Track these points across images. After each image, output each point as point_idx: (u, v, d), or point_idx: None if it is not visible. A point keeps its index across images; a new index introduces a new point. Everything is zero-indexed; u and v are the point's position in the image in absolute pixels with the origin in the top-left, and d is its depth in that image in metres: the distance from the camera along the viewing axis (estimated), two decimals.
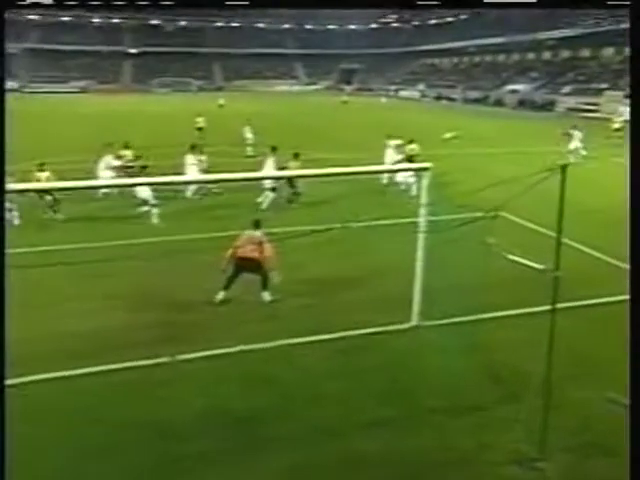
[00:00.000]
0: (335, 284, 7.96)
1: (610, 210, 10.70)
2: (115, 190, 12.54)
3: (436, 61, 74.78)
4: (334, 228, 7.10)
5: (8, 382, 4.95)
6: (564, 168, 4.02)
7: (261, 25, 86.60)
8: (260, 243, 7.16)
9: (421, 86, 67.25)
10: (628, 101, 24.42)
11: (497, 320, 6.85)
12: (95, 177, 12.49)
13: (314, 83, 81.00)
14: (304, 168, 12.33)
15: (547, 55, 57.99)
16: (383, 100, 57.23)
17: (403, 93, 66.74)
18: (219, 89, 68.82)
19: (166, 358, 5.82)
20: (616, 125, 23.35)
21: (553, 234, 4.28)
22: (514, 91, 52.91)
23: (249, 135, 19.72)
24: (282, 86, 76.62)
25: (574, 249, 8.44)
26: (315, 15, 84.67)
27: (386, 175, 13.12)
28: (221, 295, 7.20)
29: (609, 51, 48.98)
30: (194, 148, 13.54)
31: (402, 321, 6.58)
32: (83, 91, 67.19)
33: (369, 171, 5.88)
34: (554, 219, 4.19)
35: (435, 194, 6.32)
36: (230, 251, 7.19)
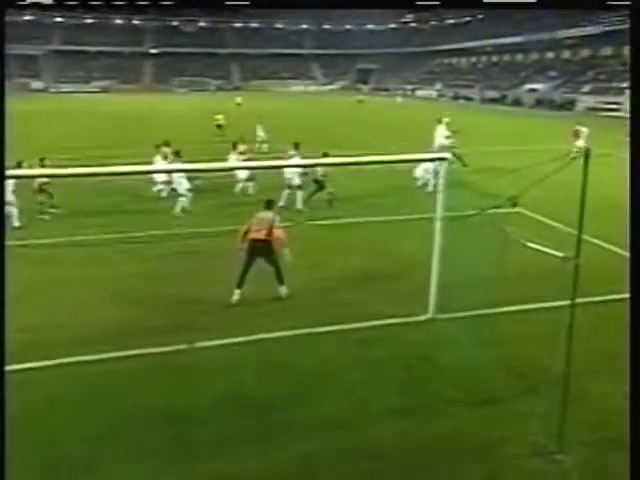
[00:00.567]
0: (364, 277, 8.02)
1: (598, 200, 10.61)
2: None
3: (454, 61, 74.25)
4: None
5: (36, 364, 5.51)
6: (587, 152, 4.02)
7: (279, 25, 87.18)
8: (271, 225, 6.98)
9: (438, 86, 66.95)
10: None
11: (514, 314, 6.86)
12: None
13: (330, 83, 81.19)
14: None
15: (566, 54, 57.17)
16: (399, 99, 57.21)
17: (420, 93, 66.52)
18: (237, 89, 69.57)
19: (184, 345, 5.97)
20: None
21: (564, 227, 4.31)
22: (532, 90, 52.34)
23: (261, 133, 20.16)
24: (299, 86, 77.01)
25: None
26: (333, 15, 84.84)
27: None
28: (236, 295, 6.99)
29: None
30: (235, 145, 13.70)
31: (418, 313, 6.66)
32: (105, 91, 68.65)
33: (389, 161, 6.03)
34: (563, 212, 4.20)
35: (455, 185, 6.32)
36: (244, 227, 7.09)
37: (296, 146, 12.49)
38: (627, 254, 8.41)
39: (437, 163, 7.31)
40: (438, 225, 6.50)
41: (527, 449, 4.49)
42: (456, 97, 60.02)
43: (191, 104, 46.88)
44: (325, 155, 10.84)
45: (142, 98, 54.94)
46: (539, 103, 48.34)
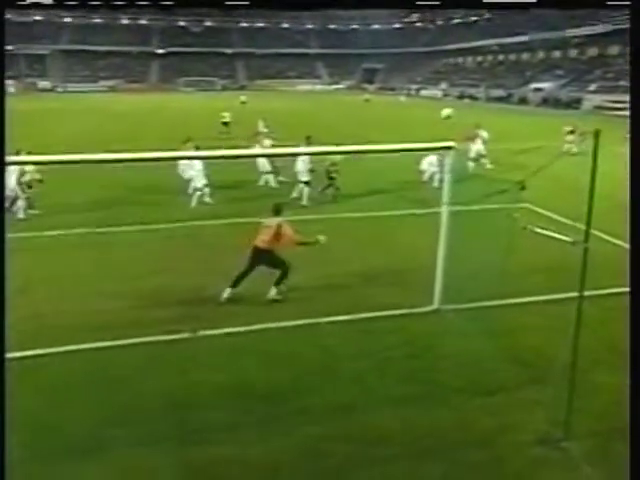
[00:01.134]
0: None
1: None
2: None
3: (459, 60, 74.03)
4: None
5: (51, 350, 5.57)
6: (597, 134, 3.97)
7: (285, 25, 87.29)
8: (276, 231, 6.73)
9: (444, 85, 66.78)
10: None
11: (519, 306, 6.86)
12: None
13: (336, 82, 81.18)
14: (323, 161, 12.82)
15: (573, 53, 56.85)
16: (402, 99, 57.13)
17: (424, 92, 66.38)
18: (242, 88, 69.74)
19: (187, 334, 5.98)
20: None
21: (569, 221, 4.31)
22: (538, 89, 52.09)
23: (263, 129, 20.24)
24: (304, 85, 77.06)
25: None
26: (338, 15, 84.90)
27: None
28: (227, 294, 6.79)
29: None
30: (255, 136, 13.79)
31: (424, 304, 6.68)
32: (112, 90, 69.04)
33: (392, 150, 6.00)
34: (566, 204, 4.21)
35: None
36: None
37: (308, 140, 12.57)
38: (617, 242, 8.53)
39: (441, 154, 7.29)
40: (444, 216, 6.50)
41: (532, 437, 4.49)
42: (461, 96, 59.84)
43: (197, 103, 47.10)
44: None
45: (149, 97, 55.20)
46: (545, 102, 48.10)
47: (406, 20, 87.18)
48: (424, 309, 6.68)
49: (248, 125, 21.94)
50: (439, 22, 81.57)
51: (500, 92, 56.00)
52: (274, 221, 6.87)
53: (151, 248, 9.03)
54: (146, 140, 16.68)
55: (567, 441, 4.41)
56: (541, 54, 60.79)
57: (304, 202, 11.91)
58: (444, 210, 6.44)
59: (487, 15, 70.33)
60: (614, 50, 51.34)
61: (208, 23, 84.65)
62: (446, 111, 12.80)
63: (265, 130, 20.09)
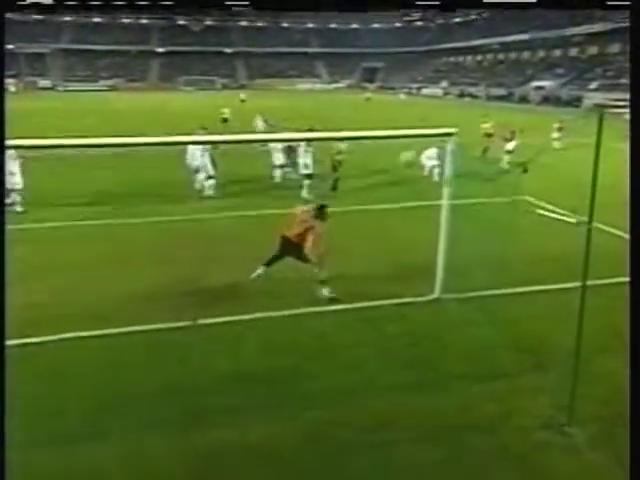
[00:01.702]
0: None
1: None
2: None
3: (460, 59, 74.02)
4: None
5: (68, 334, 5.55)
6: (601, 116, 3.99)
7: (285, 24, 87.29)
8: (306, 229, 6.46)
9: (444, 84, 66.76)
10: None
11: (518, 295, 6.83)
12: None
13: (336, 82, 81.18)
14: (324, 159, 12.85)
15: (574, 51, 56.82)
16: (402, 97, 57.14)
17: (425, 91, 66.36)
18: (242, 87, 69.73)
19: (187, 322, 5.96)
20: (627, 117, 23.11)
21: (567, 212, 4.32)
22: (539, 87, 52.08)
23: (260, 125, 20.26)
24: (304, 84, 77.06)
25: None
26: (338, 14, 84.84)
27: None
28: (259, 271, 6.71)
29: None
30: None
31: (424, 294, 6.67)
32: (112, 89, 69.05)
33: (390, 136, 5.95)
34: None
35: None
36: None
37: (309, 131, 12.51)
38: (615, 232, 8.51)
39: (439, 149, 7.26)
40: (445, 206, 6.46)
41: (536, 422, 4.46)
42: (462, 95, 59.81)
43: (198, 101, 47.10)
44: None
45: (149, 96, 55.19)
46: (546, 100, 48.06)
47: (406, 19, 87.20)
48: (424, 298, 6.66)
49: (247, 122, 21.97)
50: (439, 21, 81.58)
51: (501, 91, 55.98)
52: (309, 218, 6.56)
53: (164, 238, 9.02)
54: (148, 136, 16.74)
55: (570, 426, 4.38)
56: (541, 53, 60.77)
57: (305, 195, 11.89)
58: (444, 203, 6.40)
59: (486, 14, 70.29)
60: (614, 48, 51.30)
61: (208, 22, 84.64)
62: (406, 155, 12.17)
63: (262, 125, 20.14)
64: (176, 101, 48.19)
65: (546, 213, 4.11)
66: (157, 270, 7.50)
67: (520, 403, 4.75)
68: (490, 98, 54.92)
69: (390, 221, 10.30)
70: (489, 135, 18.04)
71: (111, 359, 5.40)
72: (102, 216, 10.29)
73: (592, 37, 52.73)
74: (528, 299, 6.80)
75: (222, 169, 12.66)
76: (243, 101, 40.50)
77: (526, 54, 63.17)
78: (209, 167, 12.01)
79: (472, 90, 59.97)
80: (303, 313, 6.37)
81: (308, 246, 6.44)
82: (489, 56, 69.59)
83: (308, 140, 11.06)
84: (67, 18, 78.23)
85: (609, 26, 49.09)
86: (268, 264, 6.70)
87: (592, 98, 43.90)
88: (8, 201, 10.15)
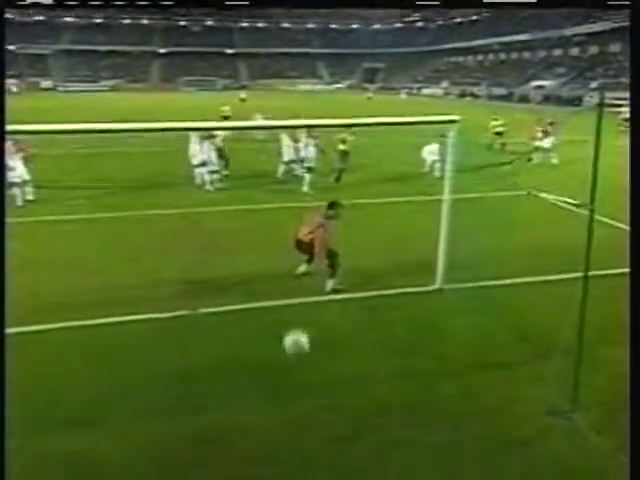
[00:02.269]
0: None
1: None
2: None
3: (460, 59, 74.00)
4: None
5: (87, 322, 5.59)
6: (600, 104, 4.01)
7: (285, 25, 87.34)
8: (315, 228, 6.46)
9: (445, 84, 66.76)
10: None
11: (520, 285, 6.86)
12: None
13: (337, 82, 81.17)
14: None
15: (575, 51, 56.80)
16: (403, 96, 57.19)
17: (426, 91, 66.35)
18: (243, 87, 69.75)
19: (187, 311, 6.00)
20: (625, 115, 23.53)
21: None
22: (539, 87, 52.06)
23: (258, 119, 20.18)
24: (305, 85, 77.07)
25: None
26: (339, 15, 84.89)
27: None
28: (303, 267, 6.90)
29: None
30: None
31: (426, 284, 6.69)
32: (113, 89, 69.11)
33: (394, 123, 5.86)
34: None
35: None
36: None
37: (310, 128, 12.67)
38: (614, 223, 8.47)
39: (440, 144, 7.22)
40: (446, 195, 6.45)
41: (539, 409, 4.44)
42: (463, 94, 59.79)
43: (199, 101, 47.15)
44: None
45: (150, 96, 55.22)
46: (546, 99, 48.02)
47: (407, 20, 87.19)
48: (426, 288, 6.67)
49: (248, 120, 21.93)
50: (440, 21, 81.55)
51: (501, 90, 55.96)
52: (317, 215, 6.58)
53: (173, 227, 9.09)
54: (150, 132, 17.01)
55: (574, 412, 4.37)
56: (542, 52, 60.76)
57: (305, 189, 11.89)
58: (446, 196, 6.40)
59: (487, 14, 70.28)
60: (615, 48, 51.26)
61: (209, 23, 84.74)
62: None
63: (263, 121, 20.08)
64: (177, 101, 48.21)
65: (547, 197, 4.20)
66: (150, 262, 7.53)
67: (523, 391, 4.73)
68: (491, 98, 54.90)
69: (395, 214, 10.30)
70: (499, 133, 18.09)
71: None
72: (96, 210, 10.38)
73: (593, 37, 52.69)
74: (534, 289, 6.81)
75: (230, 164, 12.79)
76: (243, 100, 40.52)
77: (527, 54, 63.16)
78: (214, 161, 12.05)
79: (473, 90, 59.95)
80: (306, 301, 6.38)
81: (317, 245, 6.41)
82: (490, 56, 69.59)
83: (309, 127, 11.06)
84: (68, 19, 78.35)
85: (610, 25, 49.08)
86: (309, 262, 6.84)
87: (593, 97, 43.86)
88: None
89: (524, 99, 50.90)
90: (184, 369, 5.04)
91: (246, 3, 42.60)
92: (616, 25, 48.09)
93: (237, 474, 3.85)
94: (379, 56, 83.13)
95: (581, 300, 4.28)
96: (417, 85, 70.23)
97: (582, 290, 4.26)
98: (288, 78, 79.28)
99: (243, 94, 43.10)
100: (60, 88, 68.66)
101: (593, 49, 54.29)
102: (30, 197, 10.88)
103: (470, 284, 6.57)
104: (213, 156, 12.10)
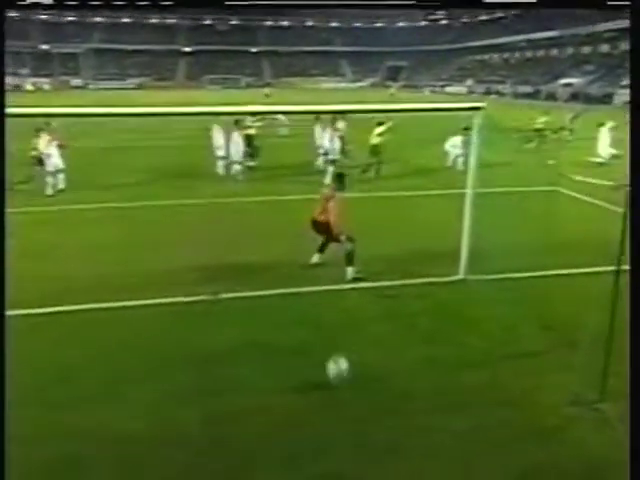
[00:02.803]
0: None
1: None
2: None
3: (485, 57, 72.85)
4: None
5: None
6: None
7: (309, 23, 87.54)
8: (328, 201, 6.42)
9: (469, 82, 65.83)
10: None
11: (541, 277, 6.79)
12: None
13: (359, 80, 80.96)
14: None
15: (605, 48, 55.25)
16: (426, 94, 56.74)
17: (449, 89, 65.57)
18: (267, 85, 70.33)
19: (208, 296, 6.06)
20: None
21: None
22: (567, 85, 50.86)
23: (283, 117, 20.27)
24: (328, 83, 77.13)
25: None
26: (363, 13, 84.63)
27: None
28: (316, 257, 6.93)
29: None
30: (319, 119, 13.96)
31: (450, 274, 6.68)
32: (139, 87, 70.51)
33: (418, 109, 5.84)
34: None
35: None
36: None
37: (333, 119, 13.03)
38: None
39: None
40: (469, 184, 6.41)
41: (566, 398, 4.41)
42: (488, 92, 58.87)
43: (223, 98, 47.68)
44: (380, 124, 12.27)
45: (175, 94, 56.10)
46: (574, 97, 46.87)
47: (431, 17, 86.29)
48: (450, 278, 6.66)
49: (271, 118, 22.09)
50: (464, 19, 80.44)
51: (527, 88, 54.88)
52: (328, 190, 6.63)
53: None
54: (181, 124, 17.29)
55: (602, 402, 4.32)
56: (570, 50, 59.31)
57: (328, 181, 11.91)
58: (469, 187, 6.36)
59: (514, 11, 68.94)
60: None
61: (234, 22, 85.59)
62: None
63: (284, 118, 20.19)
64: (202, 98, 48.84)
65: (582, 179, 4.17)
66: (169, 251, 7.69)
67: (550, 380, 4.70)
68: (517, 96, 53.91)
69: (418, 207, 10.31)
70: (539, 130, 17.65)
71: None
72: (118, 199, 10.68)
73: (624, 33, 51.12)
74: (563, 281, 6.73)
75: (264, 155, 13.04)
76: (267, 96, 41.00)
77: (554, 51, 61.75)
78: (240, 153, 12.17)
79: (499, 88, 58.96)
80: (329, 289, 6.41)
81: (333, 220, 6.42)
82: (516, 54, 68.30)
83: (335, 112, 11.10)
84: (98, 19, 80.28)
85: None
86: (321, 250, 6.89)
87: (623, 94, 42.59)
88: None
89: (551, 97, 49.79)
90: (208, 350, 5.17)
91: (246, 3, 43.09)
92: None
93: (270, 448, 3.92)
94: (403, 54, 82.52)
95: (612, 287, 4.20)
96: (441, 83, 69.43)
97: (614, 278, 4.18)
98: (311, 76, 79.47)
99: (267, 90, 43.64)
100: (90, 86, 70.45)
101: (625, 45, 52.67)
102: (61, 186, 11.23)
103: (497, 275, 6.51)
104: (241, 147, 12.22)
